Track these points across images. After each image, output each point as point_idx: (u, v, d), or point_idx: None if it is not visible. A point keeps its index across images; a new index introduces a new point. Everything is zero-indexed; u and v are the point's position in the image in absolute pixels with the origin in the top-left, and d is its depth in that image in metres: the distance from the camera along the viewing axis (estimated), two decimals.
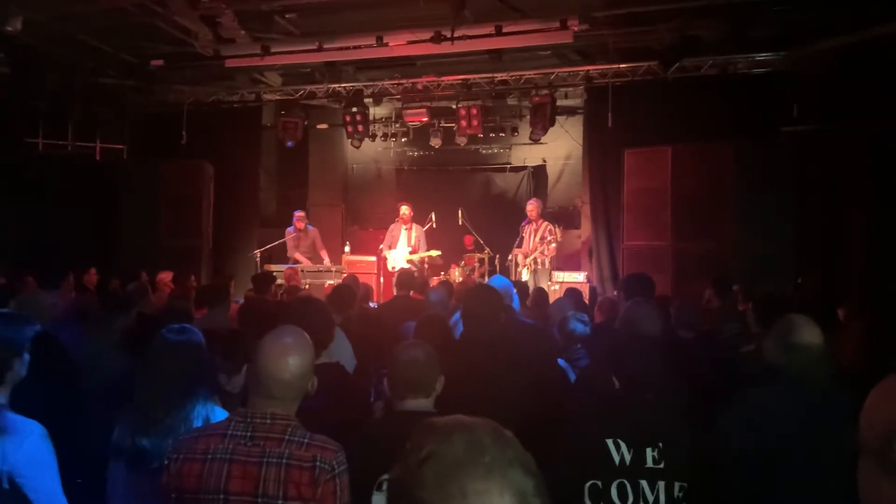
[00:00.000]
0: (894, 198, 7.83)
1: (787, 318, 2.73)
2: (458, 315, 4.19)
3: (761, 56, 9.26)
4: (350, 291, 4.92)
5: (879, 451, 1.01)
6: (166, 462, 2.08)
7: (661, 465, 2.32)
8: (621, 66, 9.70)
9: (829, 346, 3.27)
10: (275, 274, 8.51)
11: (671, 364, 2.64)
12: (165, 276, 8.06)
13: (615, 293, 8.78)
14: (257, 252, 10.18)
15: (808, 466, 2.36)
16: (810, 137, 8.68)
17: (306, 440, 2.04)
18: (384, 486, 2.25)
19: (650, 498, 2.30)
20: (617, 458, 2.32)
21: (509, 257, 10.15)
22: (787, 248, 8.64)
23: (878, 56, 7.84)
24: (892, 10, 7.37)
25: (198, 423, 2.51)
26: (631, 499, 2.30)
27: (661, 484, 2.31)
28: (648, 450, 2.32)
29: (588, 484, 2.32)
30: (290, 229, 10.39)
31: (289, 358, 2.10)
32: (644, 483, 2.31)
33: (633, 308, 3.33)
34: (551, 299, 8.35)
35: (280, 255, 10.48)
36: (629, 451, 2.32)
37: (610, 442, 2.33)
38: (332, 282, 9.07)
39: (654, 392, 2.45)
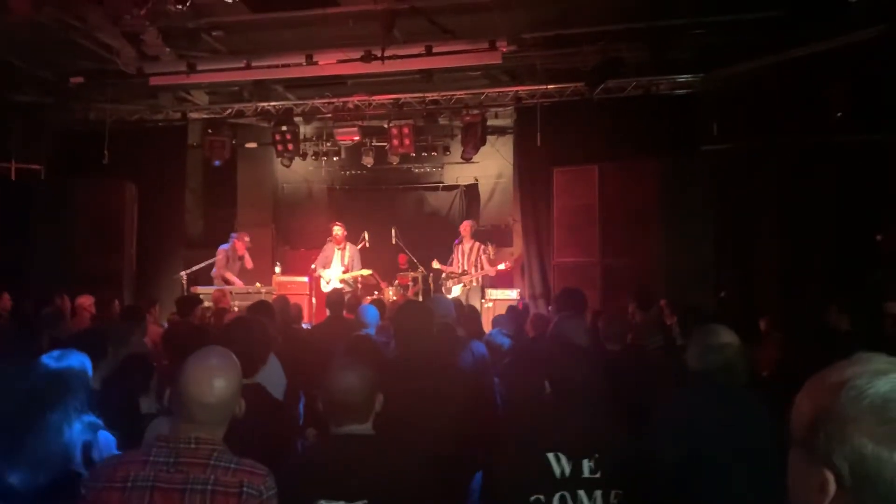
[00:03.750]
0: (806, 211, 8.23)
1: (704, 326, 2.87)
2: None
3: (682, 78, 9.62)
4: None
5: (807, 439, 1.08)
6: (83, 491, 1.97)
7: (598, 475, 2.36)
8: (549, 86, 9.90)
9: (749, 356, 3.40)
10: (202, 296, 8.27)
11: (600, 375, 2.68)
12: (85, 301, 7.71)
13: (548, 309, 8.93)
14: (183, 274, 9.86)
15: (730, 466, 2.44)
16: (728, 155, 9.05)
17: (233, 465, 1.97)
18: None
19: None
20: (558, 471, 2.34)
21: (443, 274, 10.20)
22: (708, 262, 8.93)
23: (791, 77, 8.26)
24: (803, 35, 7.80)
25: (78, 451, 2.41)
26: None
27: (598, 493, 2.36)
28: (585, 461, 2.36)
29: (532, 498, 2.33)
30: (225, 247, 10.07)
31: (213, 380, 2.02)
32: (582, 493, 2.35)
33: (561, 322, 3.39)
34: (484, 316, 8.46)
35: (206, 277, 10.17)
36: (568, 462, 2.35)
37: (551, 455, 2.35)
38: None
39: (583, 398, 2.49)
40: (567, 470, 2.34)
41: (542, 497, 2.32)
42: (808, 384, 1.13)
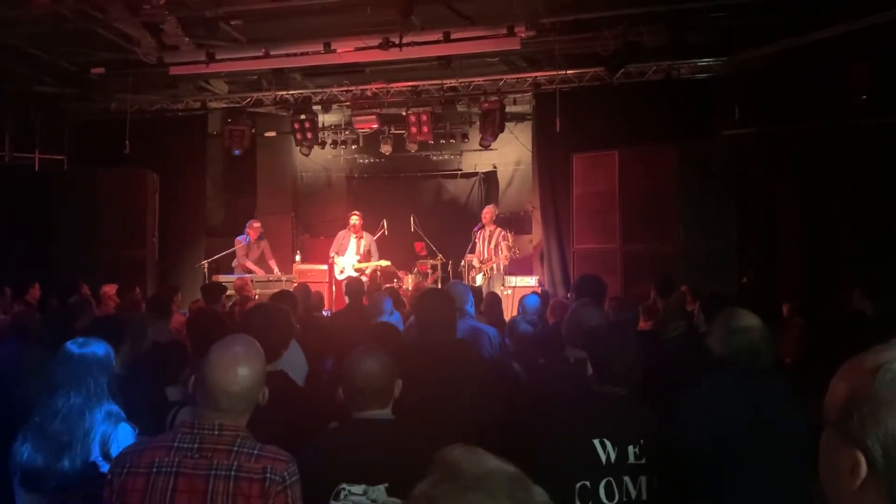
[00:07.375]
0: (828, 196, 8.12)
1: (727, 309, 2.81)
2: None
3: (703, 61, 9.50)
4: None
5: (840, 421, 1.08)
6: (109, 477, 2.00)
7: (643, 461, 2.36)
8: (568, 72, 9.82)
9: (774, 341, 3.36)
10: (224, 284, 8.34)
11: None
12: (110, 289, 7.81)
13: (567, 295, 8.90)
14: (205, 262, 9.97)
15: (756, 451, 2.41)
16: (751, 139, 8.93)
17: (256, 451, 1.99)
18: (342, 496, 2.21)
19: (633, 494, 2.35)
20: (603, 457, 2.35)
21: (462, 263, 10.20)
22: (729, 248, 8.84)
23: (813, 60, 8.14)
24: (826, 17, 7.67)
25: (96, 442, 2.45)
26: (617, 496, 2.34)
27: (643, 479, 2.36)
28: (630, 447, 2.36)
29: (578, 485, 2.34)
30: (241, 237, 10.18)
31: (238, 369, 2.03)
32: (627, 479, 2.35)
33: (577, 309, 3.37)
34: (504, 303, 8.45)
35: (227, 266, 10.27)
36: (614, 449, 2.35)
37: (596, 441, 2.36)
38: None
39: (625, 385, 2.48)
40: (613, 456, 2.34)
41: (587, 483, 2.32)
42: (845, 367, 1.14)
